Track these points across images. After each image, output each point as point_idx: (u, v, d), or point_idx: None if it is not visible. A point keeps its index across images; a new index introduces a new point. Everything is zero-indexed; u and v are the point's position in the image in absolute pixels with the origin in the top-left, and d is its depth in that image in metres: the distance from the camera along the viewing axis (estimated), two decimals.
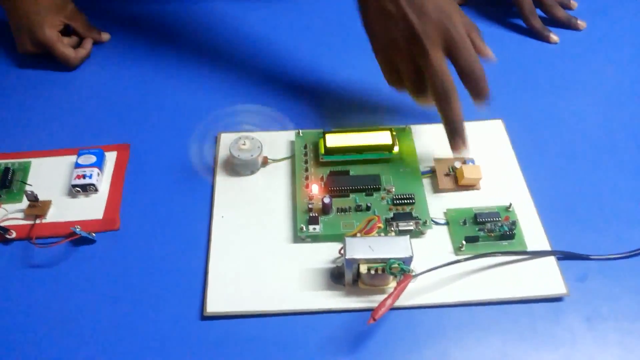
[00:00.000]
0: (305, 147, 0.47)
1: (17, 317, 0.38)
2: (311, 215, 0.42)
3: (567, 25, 0.58)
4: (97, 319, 0.38)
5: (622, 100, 0.52)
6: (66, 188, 0.45)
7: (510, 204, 0.42)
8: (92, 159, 0.45)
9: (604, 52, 0.56)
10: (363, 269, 0.36)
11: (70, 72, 0.55)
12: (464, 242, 0.40)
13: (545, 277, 0.39)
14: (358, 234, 0.39)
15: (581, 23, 0.58)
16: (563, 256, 0.40)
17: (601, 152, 0.47)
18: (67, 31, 0.56)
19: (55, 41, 0.54)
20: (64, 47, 0.54)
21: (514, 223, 0.41)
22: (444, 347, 0.36)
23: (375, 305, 0.35)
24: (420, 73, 0.41)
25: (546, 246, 0.40)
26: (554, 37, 0.57)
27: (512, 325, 0.37)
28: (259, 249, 0.41)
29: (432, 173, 0.45)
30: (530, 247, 0.40)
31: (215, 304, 0.38)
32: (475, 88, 0.41)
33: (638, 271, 0.40)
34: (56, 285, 0.40)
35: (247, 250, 0.41)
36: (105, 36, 0.58)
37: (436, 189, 0.44)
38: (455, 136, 0.42)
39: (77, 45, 0.56)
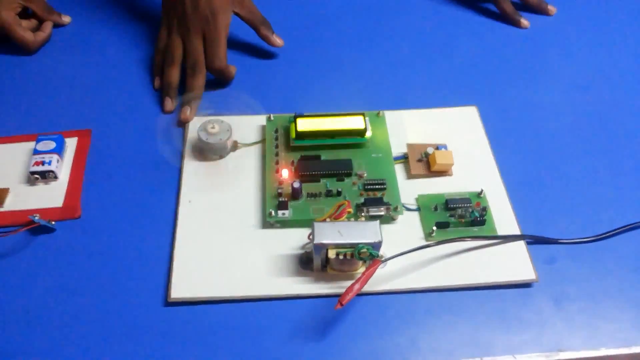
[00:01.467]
0: (276, 131, 0.46)
1: None
2: (280, 200, 0.41)
3: (538, 9, 0.58)
4: (59, 309, 0.37)
5: (592, 85, 0.52)
6: (24, 175, 0.43)
7: (482, 190, 0.42)
8: (52, 145, 0.43)
9: (574, 37, 0.56)
10: (332, 254, 0.36)
11: (29, 56, 0.53)
12: (434, 228, 0.40)
13: (514, 263, 0.39)
14: (327, 219, 0.38)
15: (552, 8, 0.58)
16: (532, 240, 0.40)
17: (571, 139, 0.47)
18: (25, 13, 0.54)
19: (12, 24, 0.51)
20: (22, 30, 0.52)
21: (484, 209, 0.41)
22: (414, 332, 0.36)
23: (342, 291, 0.34)
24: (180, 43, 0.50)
25: (516, 231, 0.40)
26: (524, 21, 0.57)
27: (482, 310, 0.37)
28: (226, 234, 0.40)
29: (404, 159, 0.45)
30: (501, 233, 0.40)
31: (179, 290, 0.37)
32: (219, 77, 0.50)
33: (605, 254, 0.40)
34: (14, 275, 0.38)
35: (214, 236, 0.40)
36: (66, 19, 0.56)
37: (409, 175, 0.44)
38: (186, 104, 0.48)
39: (36, 29, 0.54)
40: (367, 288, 0.35)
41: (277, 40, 0.52)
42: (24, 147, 0.45)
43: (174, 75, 0.49)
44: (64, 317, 0.36)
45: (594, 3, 0.60)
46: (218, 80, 0.51)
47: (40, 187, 0.43)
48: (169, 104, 0.48)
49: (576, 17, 0.58)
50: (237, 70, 0.51)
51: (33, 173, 0.42)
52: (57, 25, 0.56)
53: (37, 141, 0.44)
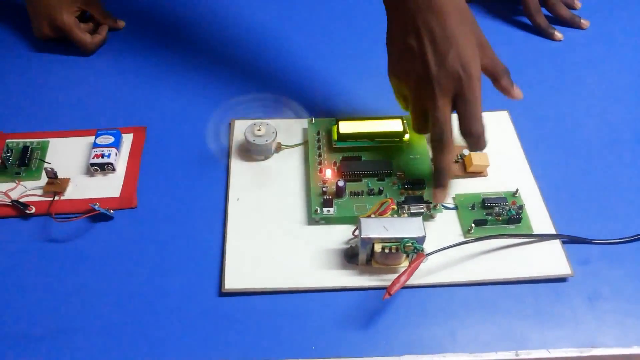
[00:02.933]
0: (318, 133, 0.48)
1: (36, 290, 0.39)
2: (325, 198, 0.43)
3: (571, 23, 0.60)
4: (116, 294, 0.39)
5: (622, 94, 0.54)
6: (84, 167, 0.46)
7: (517, 190, 0.44)
8: (110, 139, 0.46)
9: (606, 50, 0.58)
10: (377, 247, 0.38)
11: (90, 57, 0.56)
12: (473, 225, 0.41)
13: (550, 259, 0.40)
14: (372, 215, 0.40)
15: (584, 22, 0.60)
16: (568, 240, 0.42)
17: (603, 143, 0.49)
18: (83, 17, 0.57)
19: (73, 26, 0.54)
20: (81, 32, 0.55)
21: (520, 207, 0.42)
22: (452, 324, 0.38)
23: (387, 283, 0.36)
24: (425, 113, 0.42)
25: (551, 230, 0.42)
26: (558, 34, 0.59)
27: (518, 305, 0.39)
28: (274, 230, 0.42)
29: None
30: (536, 231, 0.42)
31: (232, 281, 0.39)
32: (472, 145, 0.41)
33: (638, 255, 0.41)
34: (75, 260, 0.41)
35: (262, 231, 0.42)
36: (121, 23, 0.59)
37: None
38: (439, 186, 0.41)
39: (93, 31, 0.57)
40: (409, 281, 0.37)
41: (519, 93, 0.42)
42: (85, 141, 0.48)
43: (451, 160, 0.42)
44: (120, 301, 0.39)
45: (626, 17, 0.62)
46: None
47: (99, 179, 0.45)
48: (444, 195, 0.42)
49: (608, 31, 0.60)
50: (280, 76, 0.52)
51: (93, 165, 0.45)
52: (112, 29, 0.59)
53: (97, 136, 0.47)
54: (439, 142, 0.40)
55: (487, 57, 0.42)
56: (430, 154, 0.46)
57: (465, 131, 0.40)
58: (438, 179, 0.41)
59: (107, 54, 0.57)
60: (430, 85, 0.39)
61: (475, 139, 0.40)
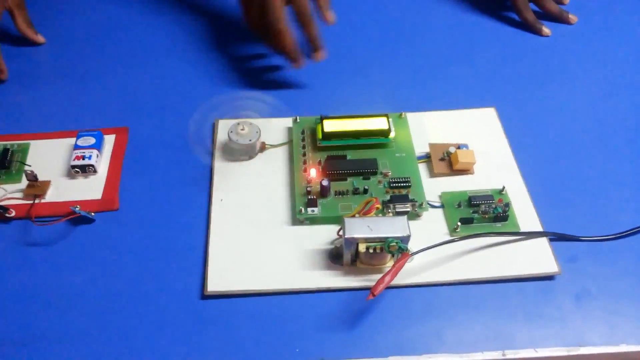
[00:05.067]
0: (302, 132, 0.48)
1: (16, 295, 0.38)
2: (309, 198, 0.42)
3: (559, 18, 0.60)
4: (97, 297, 0.38)
5: (611, 90, 0.53)
6: (65, 169, 0.45)
7: (504, 187, 0.43)
8: (91, 140, 0.46)
9: (594, 46, 0.58)
10: (362, 247, 0.37)
11: (71, 58, 0.55)
12: (459, 224, 0.41)
13: (537, 257, 0.40)
14: (357, 215, 0.40)
15: (572, 17, 0.60)
16: (555, 237, 0.41)
17: (590, 139, 0.49)
18: None
19: None
20: None
21: (507, 205, 0.42)
22: (438, 324, 0.37)
23: (372, 284, 0.36)
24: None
25: (538, 228, 0.42)
26: (546, 30, 0.58)
27: (504, 304, 0.38)
28: (258, 231, 0.42)
29: (427, 158, 0.46)
30: (523, 229, 0.41)
31: (215, 283, 0.39)
32: (308, 35, 0.49)
33: (625, 252, 0.41)
34: (55, 264, 0.40)
35: (246, 232, 0.42)
36: (40, 38, 0.56)
37: (431, 174, 0.45)
38: (292, 62, 0.49)
39: None
40: (394, 281, 0.37)
41: (332, 17, 0.51)
42: (65, 143, 0.47)
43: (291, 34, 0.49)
44: (101, 305, 0.38)
45: (614, 13, 0.62)
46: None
47: (80, 181, 0.45)
48: (301, 62, 0.50)
49: (596, 26, 0.60)
50: (263, 75, 0.52)
51: (74, 167, 0.44)
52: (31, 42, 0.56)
53: (78, 137, 0.46)
54: (276, 31, 0.49)
55: None
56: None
57: (301, 24, 0.49)
58: (291, 59, 0.50)
59: (92, 54, 0.56)
60: None
61: (308, 30, 0.49)
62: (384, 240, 0.37)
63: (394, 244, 0.36)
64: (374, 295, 0.35)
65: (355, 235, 0.37)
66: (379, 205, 0.41)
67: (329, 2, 0.51)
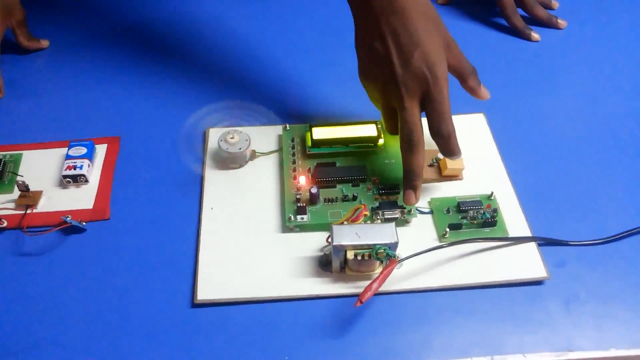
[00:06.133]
0: (292, 140, 0.48)
1: (8, 304, 0.39)
2: (299, 205, 0.43)
3: (548, 24, 0.60)
4: (88, 306, 0.39)
5: (600, 95, 0.54)
6: (57, 179, 0.46)
7: (492, 193, 0.43)
8: (83, 150, 0.46)
9: (583, 51, 0.58)
10: (350, 255, 0.37)
11: (63, 69, 0.56)
12: (447, 230, 0.41)
13: (526, 262, 0.40)
14: (345, 222, 0.40)
15: (562, 22, 0.60)
16: (543, 242, 0.41)
17: (579, 144, 0.49)
18: None
19: None
20: None
21: (495, 210, 0.42)
22: (427, 330, 0.37)
23: (361, 290, 0.36)
24: (395, 114, 0.42)
25: (527, 233, 0.42)
26: (535, 35, 0.59)
27: (493, 309, 0.38)
28: (248, 238, 0.42)
29: None
30: (512, 234, 0.42)
31: (205, 292, 0.39)
32: (443, 146, 0.41)
33: (614, 256, 0.41)
34: (47, 273, 0.40)
35: (236, 240, 0.42)
36: (45, 43, 0.57)
37: None
38: (409, 188, 0.41)
39: None
40: (383, 288, 0.37)
41: (485, 93, 0.44)
42: (57, 153, 0.47)
43: (422, 161, 0.41)
44: (92, 315, 0.38)
45: (603, 18, 0.62)
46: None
47: (72, 191, 0.45)
48: (415, 197, 0.41)
49: (585, 31, 0.60)
50: (253, 84, 0.52)
51: (65, 177, 0.45)
52: (37, 49, 0.57)
53: (69, 147, 0.46)
54: (408, 143, 0.40)
55: (453, 57, 0.42)
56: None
57: (434, 131, 0.40)
58: (408, 180, 0.41)
59: (79, 64, 0.56)
60: (397, 87, 0.40)
61: (444, 139, 0.40)
62: (371, 247, 0.37)
63: (382, 250, 0.37)
64: (361, 303, 0.35)
65: (343, 243, 0.37)
66: (367, 212, 0.41)
67: (478, 79, 0.43)
